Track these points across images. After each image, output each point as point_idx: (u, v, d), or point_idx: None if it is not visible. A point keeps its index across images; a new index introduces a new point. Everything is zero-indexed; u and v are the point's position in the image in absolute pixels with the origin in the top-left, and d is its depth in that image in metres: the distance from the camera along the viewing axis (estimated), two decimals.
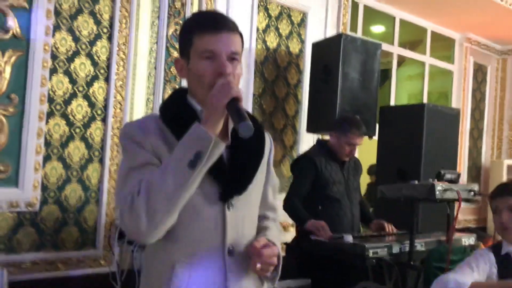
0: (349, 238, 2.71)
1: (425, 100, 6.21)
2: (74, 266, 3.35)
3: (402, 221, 3.20)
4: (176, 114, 1.43)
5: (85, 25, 3.37)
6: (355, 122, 3.28)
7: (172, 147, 1.35)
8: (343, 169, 3.34)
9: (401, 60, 6.28)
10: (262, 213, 1.59)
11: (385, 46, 5.59)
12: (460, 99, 6.48)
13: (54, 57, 3.24)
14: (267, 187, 1.60)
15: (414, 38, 6.42)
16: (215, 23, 1.41)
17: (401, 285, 2.69)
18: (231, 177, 1.43)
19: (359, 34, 5.19)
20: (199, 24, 1.42)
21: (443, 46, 6.50)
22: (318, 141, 3.64)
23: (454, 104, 6.40)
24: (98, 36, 3.44)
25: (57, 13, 3.24)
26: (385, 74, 5.91)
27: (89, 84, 3.42)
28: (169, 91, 3.75)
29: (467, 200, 2.77)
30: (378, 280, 2.69)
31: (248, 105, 4.18)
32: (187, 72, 1.44)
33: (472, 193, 2.76)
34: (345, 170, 3.36)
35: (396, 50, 5.80)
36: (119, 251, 3.16)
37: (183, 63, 1.45)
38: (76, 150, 3.38)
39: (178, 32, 3.67)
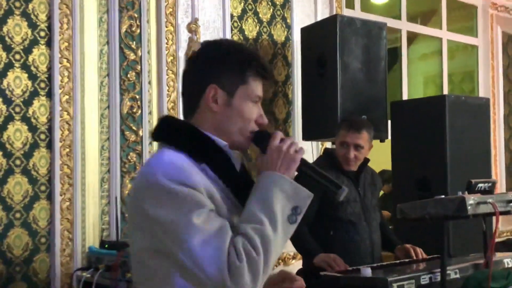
0: (367, 271, 2.82)
1: (444, 85, 6.39)
2: None
3: (428, 242, 3.33)
4: (206, 151, 1.67)
5: (17, 30, 3.47)
6: (347, 119, 3.48)
7: (220, 188, 1.63)
8: (357, 185, 3.46)
9: (412, 37, 6.44)
10: None
11: (391, 22, 5.75)
12: (489, 79, 6.68)
13: None
14: None
15: (426, 8, 6.59)
16: (269, 72, 1.79)
17: None
18: None
19: (357, 11, 5.34)
20: (258, 67, 1.73)
21: (463, 16, 6.71)
22: (325, 151, 3.77)
23: (481, 86, 6.62)
24: (34, 42, 3.55)
25: None
26: (394, 55, 6.05)
27: (27, 102, 3.52)
28: (127, 103, 3.86)
29: (506, 213, 2.89)
30: None
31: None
32: (224, 106, 1.69)
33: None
34: (360, 186, 3.47)
35: (404, 25, 5.96)
36: None
37: (222, 96, 1.69)
38: (18, 187, 3.48)
39: (133, 29, 3.84)
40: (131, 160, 3.90)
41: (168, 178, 1.55)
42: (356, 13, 5.29)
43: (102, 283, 3.04)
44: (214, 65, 1.71)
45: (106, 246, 3.28)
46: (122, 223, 3.80)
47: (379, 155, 4.92)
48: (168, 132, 1.73)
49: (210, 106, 1.69)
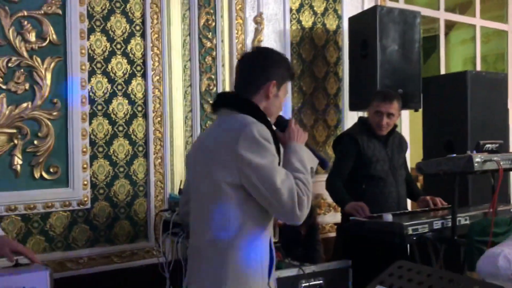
0: (388, 217, 2.74)
1: (478, 65, 6.03)
2: (128, 258, 3.57)
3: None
4: (268, 121, 1.99)
5: (118, 25, 3.54)
6: (381, 91, 3.33)
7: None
8: (386, 147, 3.36)
9: (451, 25, 6.11)
10: None
11: (430, 12, 5.46)
12: None
13: (91, 59, 3.43)
14: None
15: (463, 0, 6.23)
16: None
17: (443, 262, 2.70)
18: None
19: (401, 2, 5.10)
20: (292, 73, 2.17)
21: (494, 6, 6.29)
22: (360, 118, 3.66)
23: (510, 66, 6.17)
24: (131, 34, 3.60)
25: (90, 16, 3.42)
26: (434, 42, 5.78)
27: (127, 82, 3.59)
28: (205, 82, 3.87)
29: (509, 170, 2.73)
30: (421, 258, 2.71)
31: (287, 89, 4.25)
32: (274, 97, 2.04)
33: None
34: (389, 147, 3.37)
35: (442, 15, 5.64)
36: (165, 242, 3.31)
37: (275, 90, 2.04)
38: (121, 147, 3.57)
39: (209, 22, 3.84)
40: None
41: (259, 134, 1.86)
42: (400, 5, 5.05)
43: (177, 221, 3.08)
44: (275, 67, 2.05)
45: None
46: None
47: (414, 123, 4.76)
48: (243, 104, 2.00)
49: (268, 94, 2.02)
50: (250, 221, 1.91)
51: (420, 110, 4.22)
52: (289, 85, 2.13)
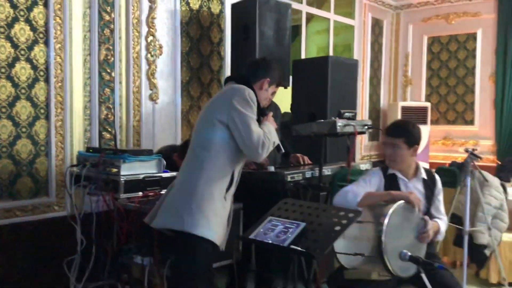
0: (272, 168, 3.14)
1: (331, 53, 6.58)
2: (30, 212, 3.56)
3: (314, 156, 3.67)
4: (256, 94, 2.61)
5: None
6: None
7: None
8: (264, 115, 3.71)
9: (310, 17, 6.63)
10: None
11: (295, 5, 5.93)
12: (361, 50, 6.92)
13: None
14: None
15: None
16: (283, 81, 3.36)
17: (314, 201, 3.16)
18: None
19: None
20: (280, 78, 2.86)
21: (345, 4, 6.84)
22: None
23: (355, 56, 6.82)
24: (34, 3, 3.53)
25: None
26: (296, 30, 6.24)
27: (30, 47, 3.52)
28: (103, 52, 3.92)
29: (362, 133, 3.25)
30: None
31: (176, 62, 4.44)
32: (264, 89, 2.72)
33: (366, 127, 3.26)
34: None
35: (304, 8, 6.15)
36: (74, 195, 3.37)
37: (266, 84, 2.73)
38: (24, 109, 3.52)
39: None
40: (106, 94, 3.97)
41: (249, 96, 2.49)
42: None
43: (88, 175, 3.16)
44: (271, 70, 2.76)
45: (91, 150, 3.35)
46: (99, 139, 3.94)
47: (284, 98, 5.21)
48: (244, 81, 2.64)
49: (262, 86, 2.71)
50: (225, 150, 2.48)
51: (289, 87, 4.66)
52: (275, 88, 2.80)
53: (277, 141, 2.62)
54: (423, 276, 2.37)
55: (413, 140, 2.78)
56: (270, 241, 2.28)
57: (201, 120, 2.62)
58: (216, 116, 2.48)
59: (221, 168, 2.48)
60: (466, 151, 3.27)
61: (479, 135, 6.98)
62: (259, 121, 2.59)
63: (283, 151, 2.80)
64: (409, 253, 2.41)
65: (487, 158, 6.59)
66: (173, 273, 2.68)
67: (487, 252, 4.22)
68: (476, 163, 3.33)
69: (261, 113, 2.64)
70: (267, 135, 2.49)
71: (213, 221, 2.43)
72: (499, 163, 6.36)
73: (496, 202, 4.25)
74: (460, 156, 5.97)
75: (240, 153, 2.51)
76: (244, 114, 2.44)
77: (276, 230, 2.32)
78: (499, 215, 4.26)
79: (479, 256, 4.23)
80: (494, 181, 4.34)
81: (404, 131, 2.79)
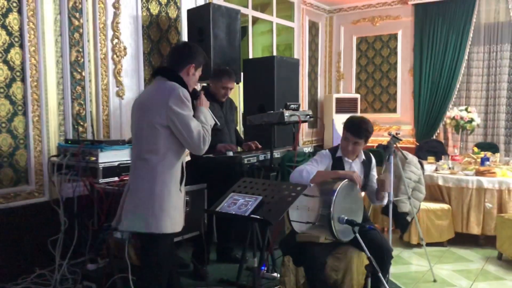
0: (230, 153, 3.42)
1: (274, 52, 6.82)
2: (12, 199, 3.66)
3: (265, 142, 3.93)
4: (187, 87, 2.52)
5: None
6: (227, 71, 3.84)
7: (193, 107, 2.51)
8: (222, 108, 3.96)
9: (255, 20, 6.84)
10: None
11: (242, 9, 6.16)
12: (300, 49, 7.20)
13: None
14: None
15: (264, 1, 7.01)
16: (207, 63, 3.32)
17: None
18: None
19: (221, 1, 5.72)
20: (206, 61, 2.73)
21: (286, 8, 7.05)
22: (204, 88, 4.20)
23: (295, 53, 7.08)
24: (9, 10, 3.60)
25: None
26: (244, 31, 6.45)
27: (7, 51, 3.60)
28: (74, 54, 4.04)
29: (305, 121, 3.57)
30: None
31: (139, 62, 4.61)
32: (192, 74, 2.60)
33: (308, 116, 3.59)
34: (224, 108, 3.94)
35: (250, 12, 6.38)
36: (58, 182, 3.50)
37: (192, 70, 2.59)
38: (2, 106, 3.60)
39: (76, 4, 4.00)
40: (78, 91, 4.08)
41: (183, 95, 2.41)
42: (220, 1, 5.65)
43: (69, 164, 3.31)
44: (195, 54, 2.59)
45: (69, 142, 3.47)
46: (73, 132, 4.06)
47: (237, 93, 5.45)
48: (173, 75, 2.51)
49: (188, 73, 2.57)
50: (171, 150, 2.47)
51: (241, 83, 4.92)
52: (201, 69, 2.66)
53: (213, 122, 2.60)
54: (357, 235, 2.68)
55: (369, 137, 3.06)
56: (233, 212, 2.50)
57: (140, 127, 2.51)
58: (157, 121, 2.41)
59: (172, 166, 2.46)
60: (389, 134, 3.61)
61: (401, 121, 7.55)
62: (194, 106, 2.54)
63: (219, 124, 2.82)
64: (346, 217, 2.70)
65: (408, 140, 7.16)
66: (140, 263, 2.64)
67: (408, 218, 4.62)
68: (398, 145, 3.67)
69: (194, 97, 2.56)
70: (204, 125, 2.48)
71: (174, 215, 2.48)
72: (418, 144, 6.90)
73: (415, 177, 4.64)
74: (385, 139, 6.43)
75: (183, 146, 2.52)
76: (182, 115, 2.38)
77: (238, 203, 2.52)
78: (418, 187, 4.66)
79: (402, 222, 4.62)
80: (413, 159, 4.73)
81: (366, 132, 2.99)
